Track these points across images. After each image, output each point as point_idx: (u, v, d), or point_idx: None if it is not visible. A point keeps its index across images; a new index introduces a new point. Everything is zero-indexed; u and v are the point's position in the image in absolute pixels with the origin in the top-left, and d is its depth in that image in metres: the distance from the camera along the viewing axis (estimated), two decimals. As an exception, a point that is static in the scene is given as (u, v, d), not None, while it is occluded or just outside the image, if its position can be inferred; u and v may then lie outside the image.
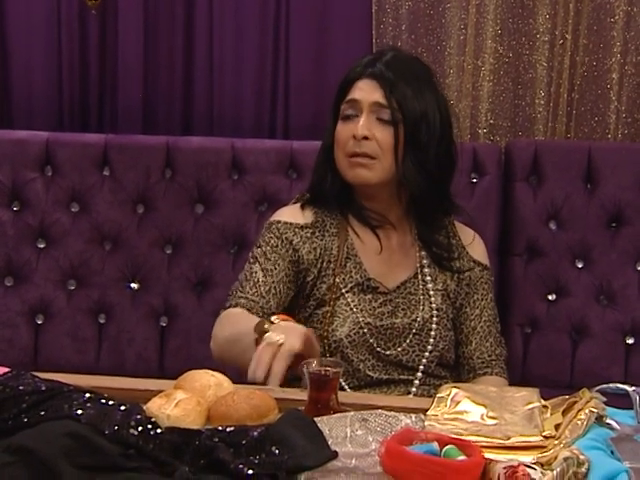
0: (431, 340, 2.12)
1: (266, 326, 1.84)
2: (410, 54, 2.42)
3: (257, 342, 1.84)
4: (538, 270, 2.78)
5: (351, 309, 2.10)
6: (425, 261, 2.18)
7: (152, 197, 2.82)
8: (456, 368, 2.19)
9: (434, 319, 2.13)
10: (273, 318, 1.90)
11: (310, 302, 2.13)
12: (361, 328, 2.09)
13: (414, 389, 2.11)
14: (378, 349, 2.09)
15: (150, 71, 3.03)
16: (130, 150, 2.84)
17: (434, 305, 2.14)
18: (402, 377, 2.11)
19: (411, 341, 2.11)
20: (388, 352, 2.10)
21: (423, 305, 2.14)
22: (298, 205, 2.22)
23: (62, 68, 3.03)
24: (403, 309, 2.13)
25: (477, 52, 2.91)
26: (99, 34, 3.02)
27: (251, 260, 2.16)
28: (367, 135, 2.08)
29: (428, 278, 2.17)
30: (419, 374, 2.11)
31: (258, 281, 2.11)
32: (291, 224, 2.17)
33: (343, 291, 2.11)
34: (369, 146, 2.08)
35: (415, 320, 2.12)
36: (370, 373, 2.08)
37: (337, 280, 2.12)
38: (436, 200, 2.17)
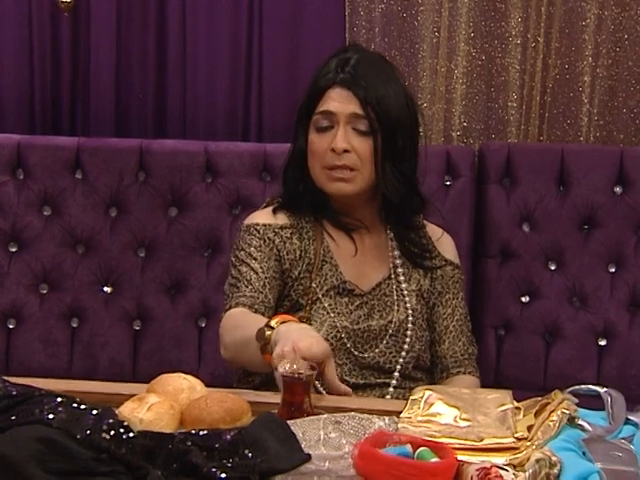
0: (407, 340, 2.11)
1: (267, 333, 1.81)
2: (373, 51, 2.41)
3: (262, 350, 1.82)
4: (511, 272, 2.79)
5: (328, 313, 2.09)
6: (398, 261, 2.18)
7: (125, 200, 2.81)
8: (431, 370, 2.19)
9: (409, 319, 2.13)
10: (272, 323, 1.83)
11: (284, 303, 2.12)
12: (338, 332, 2.08)
13: (390, 390, 2.10)
14: (355, 352, 2.08)
15: (123, 74, 3.02)
16: (103, 153, 2.83)
17: (409, 305, 2.14)
18: (378, 381, 2.10)
19: (388, 343, 2.11)
20: (365, 355, 2.09)
21: (398, 306, 2.14)
22: (270, 209, 2.21)
23: (34, 71, 3.01)
24: (379, 311, 2.13)
25: (450, 55, 2.92)
26: (71, 36, 3.01)
27: (237, 263, 2.12)
28: (347, 148, 2.07)
29: (402, 278, 2.17)
30: (396, 374, 2.10)
31: (251, 279, 2.08)
32: (270, 225, 2.15)
33: (319, 295, 2.11)
34: (349, 158, 2.08)
35: (391, 322, 2.12)
36: (347, 378, 2.06)
37: (313, 284, 2.11)
38: (410, 200, 2.17)
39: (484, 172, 2.82)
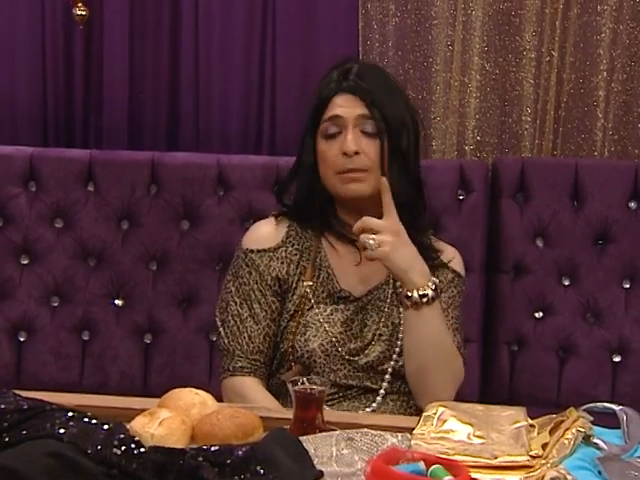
0: (399, 343, 2.11)
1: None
2: (371, 62, 2.50)
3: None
4: (525, 287, 2.77)
5: (323, 320, 2.10)
6: None
7: (137, 213, 2.81)
8: None
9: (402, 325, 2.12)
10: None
11: (284, 315, 2.13)
12: (333, 339, 2.09)
13: (382, 391, 2.10)
14: (349, 358, 2.09)
15: (136, 86, 3.02)
16: (115, 166, 2.83)
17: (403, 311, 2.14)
18: (371, 383, 2.10)
19: (381, 347, 2.11)
20: (357, 358, 2.10)
21: (391, 311, 2.14)
22: (273, 219, 2.21)
23: (47, 83, 3.02)
24: (372, 315, 2.14)
25: (464, 69, 2.91)
26: (84, 49, 3.01)
27: (237, 299, 2.15)
28: (357, 150, 2.08)
29: (399, 283, 2.16)
30: (387, 376, 2.10)
31: (252, 334, 2.11)
32: (265, 251, 2.16)
33: (314, 302, 2.12)
34: (361, 160, 2.08)
35: (385, 326, 2.12)
36: (343, 382, 2.09)
37: (307, 291, 2.12)
38: (416, 202, 2.18)
39: (497, 187, 2.81)
